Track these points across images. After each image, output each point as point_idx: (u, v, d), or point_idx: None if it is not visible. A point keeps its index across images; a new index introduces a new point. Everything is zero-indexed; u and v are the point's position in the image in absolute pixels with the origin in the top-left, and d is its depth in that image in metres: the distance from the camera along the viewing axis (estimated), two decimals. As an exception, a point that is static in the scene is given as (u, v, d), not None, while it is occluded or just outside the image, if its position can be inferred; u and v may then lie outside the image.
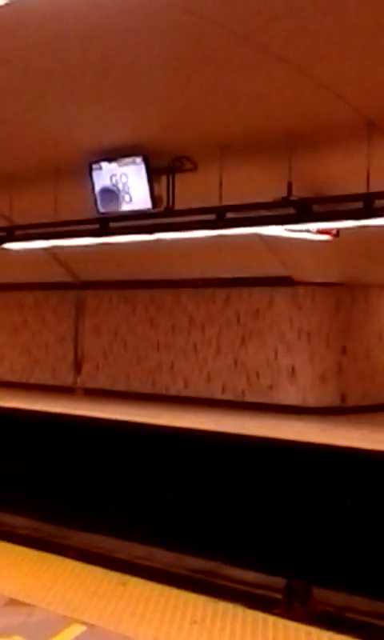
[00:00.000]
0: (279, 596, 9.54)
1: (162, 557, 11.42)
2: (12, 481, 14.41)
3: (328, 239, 11.78)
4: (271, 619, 5.63)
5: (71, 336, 17.49)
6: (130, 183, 11.68)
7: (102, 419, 13.79)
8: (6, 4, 6.21)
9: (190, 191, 11.43)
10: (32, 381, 18.05)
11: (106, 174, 11.86)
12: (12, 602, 5.83)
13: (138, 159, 11.51)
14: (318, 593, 9.62)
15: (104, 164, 11.88)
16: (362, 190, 9.78)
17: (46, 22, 8.49)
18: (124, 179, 11.72)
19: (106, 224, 12.33)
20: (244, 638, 5.23)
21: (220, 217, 11.04)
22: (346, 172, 10.44)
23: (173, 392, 15.91)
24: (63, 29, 8.67)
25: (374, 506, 10.86)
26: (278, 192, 10.58)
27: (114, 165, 11.76)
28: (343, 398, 14.64)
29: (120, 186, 11.79)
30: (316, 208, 10.47)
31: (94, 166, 11.96)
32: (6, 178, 13.30)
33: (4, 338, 18.65)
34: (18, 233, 13.62)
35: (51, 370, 17.84)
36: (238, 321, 15.10)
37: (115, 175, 11.78)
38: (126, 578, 6.47)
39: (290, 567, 10.49)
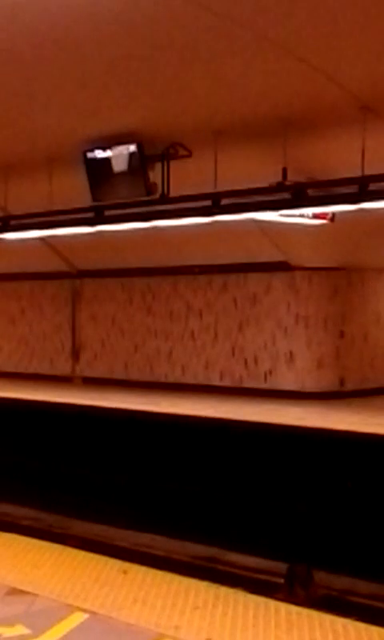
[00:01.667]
0: (281, 580, 9.57)
1: (163, 544, 11.45)
2: (12, 471, 14.42)
3: (324, 223, 11.78)
4: (273, 604, 5.65)
5: (68, 325, 17.49)
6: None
7: (100, 407, 13.80)
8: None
9: (185, 178, 11.40)
10: (30, 370, 18.05)
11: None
12: (14, 591, 5.85)
13: (132, 146, 11.49)
14: (320, 577, 9.65)
15: (98, 152, 11.86)
16: (357, 173, 9.77)
17: (36, 13, 8.46)
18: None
19: (101, 212, 12.32)
20: (246, 623, 5.24)
21: (215, 203, 11.03)
22: (340, 156, 10.42)
23: (171, 379, 15.91)
24: (53, 18, 8.63)
25: (374, 490, 10.88)
26: (273, 177, 10.56)
27: (108, 152, 11.75)
28: (342, 382, 14.65)
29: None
30: (311, 192, 10.46)
31: (88, 155, 11.93)
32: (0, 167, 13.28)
33: (1, 328, 18.64)
34: (13, 223, 13.61)
35: (49, 360, 17.84)
36: (236, 307, 15.09)
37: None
38: (127, 565, 6.49)
39: (291, 552, 10.52)
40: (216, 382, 15.28)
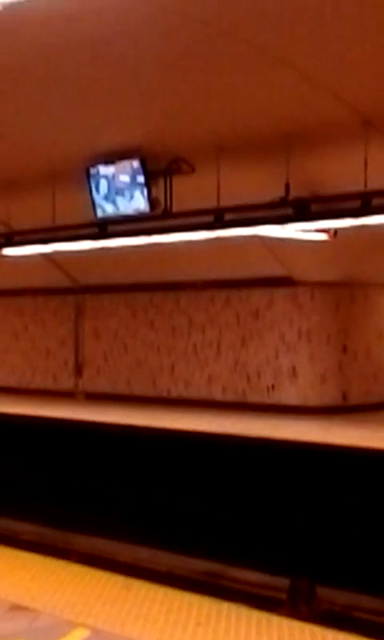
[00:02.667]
0: (283, 596, 9.53)
1: (165, 559, 11.42)
2: (13, 486, 14.39)
3: (326, 239, 11.79)
4: (275, 619, 5.63)
5: (71, 340, 17.49)
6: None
7: (103, 423, 13.79)
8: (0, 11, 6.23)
9: (188, 193, 11.43)
10: (33, 386, 18.05)
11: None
12: (16, 607, 5.83)
13: (136, 162, 11.52)
14: (323, 592, 9.61)
15: (101, 168, 11.90)
16: (360, 188, 9.79)
17: (40, 29, 8.50)
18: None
19: (105, 228, 12.35)
20: (249, 639, 5.22)
21: (218, 218, 11.05)
22: (343, 171, 10.44)
23: (174, 394, 15.90)
24: (58, 35, 8.67)
25: (376, 505, 10.85)
26: (276, 192, 10.58)
27: (111, 168, 11.79)
28: (344, 396, 14.63)
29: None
30: (314, 207, 10.47)
31: (92, 170, 11.97)
32: (3, 183, 13.30)
33: (5, 343, 18.65)
34: (16, 238, 13.64)
35: (52, 375, 17.84)
36: (238, 322, 15.10)
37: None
38: (130, 581, 6.47)
39: (293, 567, 10.48)
40: (218, 397, 15.27)
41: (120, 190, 11.83)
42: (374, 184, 9.70)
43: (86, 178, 12.04)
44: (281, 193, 10.56)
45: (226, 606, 5.82)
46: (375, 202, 9.71)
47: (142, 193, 11.63)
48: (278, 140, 10.38)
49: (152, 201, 11.62)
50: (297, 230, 11.32)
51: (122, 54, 9.14)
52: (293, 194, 10.56)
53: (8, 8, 6.30)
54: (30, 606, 5.84)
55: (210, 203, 11.09)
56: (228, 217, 11.05)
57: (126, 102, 10.39)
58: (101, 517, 13.04)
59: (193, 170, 11.48)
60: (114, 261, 15.06)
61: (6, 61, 9.41)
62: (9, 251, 13.98)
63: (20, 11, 7.33)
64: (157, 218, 11.74)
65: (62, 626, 5.43)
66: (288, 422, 13.30)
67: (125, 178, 11.73)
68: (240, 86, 9.65)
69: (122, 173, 11.73)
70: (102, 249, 13.08)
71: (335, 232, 11.62)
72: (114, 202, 11.99)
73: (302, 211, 10.42)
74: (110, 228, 12.34)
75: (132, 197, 11.76)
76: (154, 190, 11.62)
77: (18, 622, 5.53)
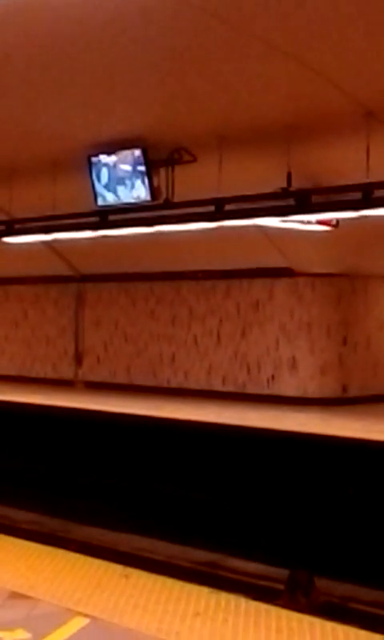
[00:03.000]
0: (282, 587, 9.54)
1: (164, 549, 11.43)
2: (12, 475, 14.40)
3: (328, 230, 11.77)
4: (274, 610, 5.63)
5: (72, 329, 17.49)
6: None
7: (103, 412, 13.79)
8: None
9: (190, 183, 11.41)
10: (33, 374, 18.05)
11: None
12: (15, 596, 5.84)
13: (137, 151, 11.49)
14: (321, 583, 9.63)
15: (103, 157, 11.87)
16: (361, 180, 9.77)
17: (43, 17, 8.48)
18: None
19: (106, 217, 12.32)
20: (247, 629, 5.23)
21: (219, 209, 11.03)
22: (345, 162, 10.43)
23: (174, 384, 15.91)
24: (60, 23, 8.65)
25: (376, 496, 10.86)
26: (278, 183, 10.56)
27: (112, 157, 11.76)
28: (344, 388, 14.63)
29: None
30: (315, 199, 10.46)
31: (93, 159, 11.95)
32: (4, 172, 13.29)
33: (5, 331, 18.65)
34: (17, 226, 13.62)
35: (52, 364, 17.84)
36: (239, 312, 15.09)
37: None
38: (129, 570, 6.47)
39: (292, 558, 10.50)
40: (218, 388, 15.27)
41: (121, 178, 11.80)
42: (376, 175, 9.68)
43: (88, 166, 12.01)
44: (282, 183, 10.54)
45: (224, 597, 5.83)
46: (377, 193, 9.69)
47: (144, 182, 11.60)
48: (279, 131, 10.36)
49: (153, 190, 11.59)
50: (298, 221, 11.30)
51: (124, 43, 9.12)
52: (294, 185, 10.54)
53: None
54: (29, 595, 5.85)
55: (211, 193, 11.06)
56: (229, 207, 11.03)
57: (128, 91, 10.37)
58: (100, 506, 13.06)
59: (195, 160, 11.45)
60: (115, 250, 15.05)
61: (7, 50, 9.38)
62: (10, 239, 13.96)
63: (21, 1, 7.33)
64: (158, 208, 11.72)
65: (61, 615, 5.44)
66: (287, 414, 13.30)
67: (126, 167, 11.70)
68: (242, 76, 9.63)
69: (124, 162, 11.69)
70: (103, 237, 13.06)
71: (337, 223, 11.60)
72: (114, 191, 11.96)
73: (303, 202, 10.40)
74: (111, 217, 12.32)
75: (133, 186, 11.74)
76: (155, 180, 11.59)
77: (16, 610, 5.53)
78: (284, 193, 10.55)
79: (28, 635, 5.07)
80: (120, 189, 11.90)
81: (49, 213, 12.84)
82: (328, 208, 10.55)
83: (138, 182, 11.67)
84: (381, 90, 9.38)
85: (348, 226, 11.48)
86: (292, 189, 10.52)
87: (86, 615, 5.44)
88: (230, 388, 15.13)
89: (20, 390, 16.72)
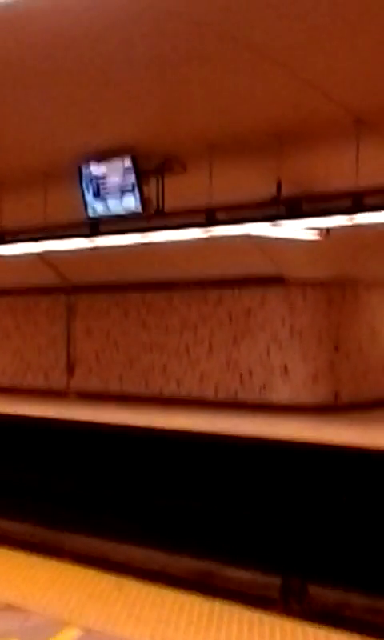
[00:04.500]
0: (275, 595, 9.54)
1: (157, 558, 11.41)
2: (5, 485, 14.38)
3: (318, 237, 11.79)
4: (268, 618, 5.63)
5: (63, 339, 17.48)
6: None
7: (95, 422, 13.77)
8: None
9: (180, 192, 11.42)
10: (25, 385, 18.04)
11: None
12: (8, 607, 5.82)
13: (127, 162, 11.49)
14: (315, 590, 9.62)
15: (93, 167, 11.87)
16: (352, 186, 9.79)
17: (32, 26, 8.48)
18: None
19: (96, 227, 12.33)
20: (241, 638, 5.22)
21: (210, 217, 11.04)
22: (335, 170, 10.45)
23: (166, 393, 15.90)
24: (50, 32, 8.65)
25: (369, 503, 10.86)
26: (268, 191, 10.58)
27: (102, 168, 11.76)
28: (336, 395, 14.65)
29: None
30: (306, 206, 10.47)
31: (83, 170, 11.95)
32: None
33: (-4, 342, 18.65)
34: (7, 238, 13.62)
35: (44, 374, 17.82)
36: (230, 320, 15.10)
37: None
38: (122, 580, 6.46)
39: (285, 565, 10.49)
40: (210, 396, 15.27)
41: (111, 189, 11.80)
42: (366, 182, 9.70)
43: (78, 177, 12.01)
44: (273, 191, 10.56)
45: (218, 605, 5.82)
46: (367, 200, 9.71)
47: (134, 193, 11.59)
48: (269, 139, 10.37)
49: (144, 200, 11.59)
50: (289, 229, 11.31)
51: (113, 53, 9.12)
52: (285, 192, 10.56)
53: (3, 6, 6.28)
54: (22, 606, 5.83)
55: (201, 202, 11.07)
56: (220, 216, 11.04)
57: (118, 102, 10.37)
58: (93, 516, 13.03)
59: (185, 170, 11.46)
60: (106, 260, 15.05)
61: (-3, 59, 9.39)
62: (0, 250, 13.96)
63: (12, 8, 7.33)
64: (148, 218, 11.72)
65: (54, 626, 5.42)
66: (280, 421, 13.30)
67: (116, 178, 11.70)
68: (232, 85, 9.64)
69: (114, 172, 11.69)
70: (94, 248, 13.06)
71: (327, 231, 11.62)
72: (104, 202, 11.96)
73: (293, 210, 10.42)
74: (102, 228, 12.32)
75: (123, 197, 11.74)
76: (145, 190, 11.59)
77: (9, 622, 5.52)
78: (274, 201, 10.57)
79: (22, 646, 5.06)
80: (110, 199, 11.90)
81: (40, 223, 12.83)
82: (318, 215, 10.56)
83: (128, 193, 11.66)
84: (370, 96, 9.40)
85: (339, 233, 11.49)
86: (282, 196, 10.54)
87: (79, 626, 5.43)
88: (222, 396, 15.14)
89: (12, 400, 16.69)
